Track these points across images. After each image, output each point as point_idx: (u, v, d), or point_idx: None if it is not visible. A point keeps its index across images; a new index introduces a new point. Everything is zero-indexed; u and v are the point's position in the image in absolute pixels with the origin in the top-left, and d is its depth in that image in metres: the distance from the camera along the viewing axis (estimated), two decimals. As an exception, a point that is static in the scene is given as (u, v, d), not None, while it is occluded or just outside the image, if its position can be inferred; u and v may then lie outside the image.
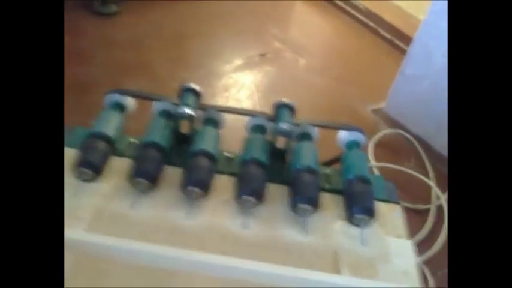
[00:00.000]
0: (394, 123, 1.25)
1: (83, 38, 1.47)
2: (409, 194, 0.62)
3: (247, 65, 1.40)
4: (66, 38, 1.42)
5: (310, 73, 1.41)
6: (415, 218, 0.60)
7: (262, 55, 1.43)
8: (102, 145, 0.54)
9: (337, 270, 0.49)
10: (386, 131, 1.20)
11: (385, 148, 1.19)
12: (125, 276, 0.46)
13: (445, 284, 0.77)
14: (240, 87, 1.30)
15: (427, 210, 0.97)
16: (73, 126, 0.62)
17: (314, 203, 0.52)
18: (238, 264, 0.47)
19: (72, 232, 0.48)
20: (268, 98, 1.22)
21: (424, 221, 0.95)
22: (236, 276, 0.47)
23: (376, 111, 1.30)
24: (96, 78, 1.33)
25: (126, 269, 0.46)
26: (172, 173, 0.56)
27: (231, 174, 0.57)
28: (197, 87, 0.61)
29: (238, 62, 1.41)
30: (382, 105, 1.31)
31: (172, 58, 1.40)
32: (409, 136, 1.21)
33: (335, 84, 1.38)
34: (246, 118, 0.63)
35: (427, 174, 1.08)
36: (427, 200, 1.01)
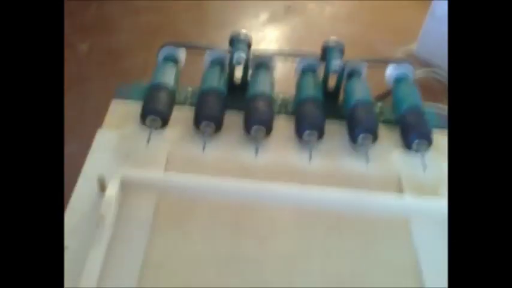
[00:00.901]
0: (426, 64, 1.25)
1: (107, 8, 1.48)
2: (448, 131, 0.64)
3: (274, 18, 1.40)
4: (94, 4, 1.43)
5: (337, 22, 1.41)
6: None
7: (287, 7, 1.43)
8: (165, 94, 0.57)
9: (400, 194, 0.52)
10: (419, 72, 1.20)
11: (420, 88, 1.19)
12: (205, 216, 0.49)
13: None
14: (269, 41, 1.31)
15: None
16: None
17: (373, 133, 0.55)
18: (310, 192, 0.50)
19: (151, 174, 0.51)
20: (300, 50, 1.22)
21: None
22: (308, 204, 0.50)
23: (407, 54, 1.30)
24: (126, 44, 1.34)
25: (206, 208, 0.50)
26: (233, 117, 0.58)
27: (288, 114, 0.60)
28: (247, 34, 0.63)
29: (264, 16, 1.41)
30: (413, 47, 1.30)
31: (199, 18, 1.40)
32: (442, 76, 1.21)
33: (363, 31, 1.38)
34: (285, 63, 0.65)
35: (464, 111, 1.09)
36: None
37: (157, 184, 0.50)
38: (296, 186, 0.50)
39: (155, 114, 0.54)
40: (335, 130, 0.58)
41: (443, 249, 0.47)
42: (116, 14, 1.44)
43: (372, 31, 1.38)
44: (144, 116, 0.55)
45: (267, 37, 1.33)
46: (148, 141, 0.53)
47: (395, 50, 1.33)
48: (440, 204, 0.50)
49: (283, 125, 0.58)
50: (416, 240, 0.48)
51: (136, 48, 1.27)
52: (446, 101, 1.18)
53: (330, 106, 0.60)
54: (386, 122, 0.60)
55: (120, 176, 0.49)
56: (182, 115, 0.58)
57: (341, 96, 0.62)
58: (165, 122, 0.55)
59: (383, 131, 0.58)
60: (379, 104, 0.63)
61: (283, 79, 0.70)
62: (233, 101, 0.60)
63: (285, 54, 0.65)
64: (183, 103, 0.60)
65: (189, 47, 0.65)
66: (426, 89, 1.22)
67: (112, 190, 0.47)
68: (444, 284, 0.44)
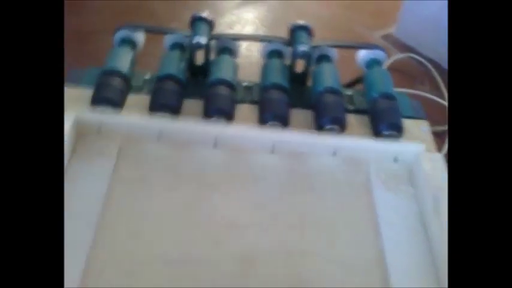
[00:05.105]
0: (405, 48, 1.22)
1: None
2: (426, 117, 0.61)
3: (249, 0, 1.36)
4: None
5: (314, 4, 1.36)
6: (434, 140, 0.59)
7: (264, -12, 1.38)
8: (117, 81, 0.53)
9: (369, 187, 0.49)
10: (397, 56, 1.17)
11: (398, 73, 1.16)
12: (156, 212, 0.45)
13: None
14: (244, 23, 1.26)
15: (446, 132, 0.96)
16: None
17: (340, 123, 0.51)
18: (270, 185, 0.47)
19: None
20: (275, 33, 1.18)
21: (443, 142, 0.94)
22: (267, 196, 0.47)
23: (385, 37, 1.26)
24: (96, 26, 1.28)
25: (158, 204, 0.46)
26: (191, 106, 0.54)
27: (252, 102, 0.56)
28: (209, 16, 0.59)
29: (239, -3, 1.37)
30: (391, 30, 1.27)
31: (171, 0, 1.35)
32: (421, 59, 1.18)
33: (341, 13, 1.34)
34: (259, 47, 0.61)
35: (442, 96, 1.06)
36: (445, 121, 0.99)
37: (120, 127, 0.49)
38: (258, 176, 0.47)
39: (106, 102, 0.50)
40: (301, 119, 0.55)
41: (411, 244, 0.45)
42: (86, -6, 1.38)
43: (350, 13, 1.34)
44: (93, 104, 0.50)
45: (241, 18, 1.28)
46: (98, 132, 0.49)
47: (374, 33, 1.30)
48: (411, 200, 0.48)
49: (245, 114, 0.54)
50: (384, 236, 0.45)
51: (105, 30, 1.22)
52: (425, 86, 1.14)
53: (297, 94, 0.57)
54: (358, 110, 0.57)
55: (74, 115, 0.48)
56: (137, 103, 0.54)
57: (309, 83, 0.59)
58: (116, 111, 0.51)
59: (352, 120, 0.55)
60: (350, 92, 0.59)
61: (250, 65, 0.66)
62: (194, 88, 0.56)
63: (251, 38, 0.61)
64: (139, 90, 0.56)
65: (148, 30, 0.61)
66: (405, 73, 1.19)
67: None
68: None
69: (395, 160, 0.50)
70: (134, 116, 0.50)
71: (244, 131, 0.50)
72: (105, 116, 0.49)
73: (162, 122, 0.50)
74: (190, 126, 0.50)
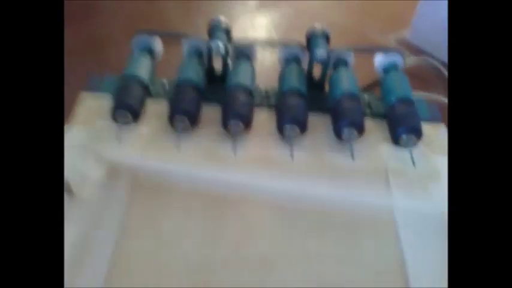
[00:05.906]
0: (419, 52, 1.21)
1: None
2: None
3: (262, 5, 1.35)
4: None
5: (327, 9, 1.36)
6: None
7: (277, -6, 1.39)
8: (137, 87, 0.53)
9: (388, 191, 0.49)
10: (411, 59, 1.17)
11: (412, 77, 1.14)
12: (177, 217, 0.46)
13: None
14: (257, 28, 1.26)
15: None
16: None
17: (359, 127, 0.51)
18: (289, 187, 0.47)
19: (127, 157, 0.49)
20: (288, 38, 1.19)
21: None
22: (286, 200, 0.47)
23: (399, 41, 1.26)
24: (109, 31, 1.29)
25: (179, 208, 0.46)
26: (210, 111, 0.55)
27: (270, 107, 0.56)
28: (227, 22, 0.59)
29: (252, 2, 1.37)
30: (405, 34, 1.26)
31: (184, 5, 1.35)
32: (435, 63, 1.17)
33: (354, 18, 1.33)
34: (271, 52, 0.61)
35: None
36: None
37: (130, 168, 0.48)
38: (276, 180, 0.47)
39: (125, 108, 0.51)
40: (319, 123, 0.55)
41: (432, 250, 0.45)
42: (100, 1, 1.39)
43: (362, 18, 1.33)
44: (113, 111, 0.51)
45: (254, 23, 1.29)
46: (117, 138, 0.50)
47: (387, 36, 1.29)
48: (430, 205, 0.48)
49: (264, 120, 0.55)
50: (403, 241, 0.45)
51: (119, 36, 1.22)
52: (438, 90, 1.14)
53: (315, 98, 0.57)
54: (375, 115, 0.57)
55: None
56: (156, 109, 0.54)
57: (327, 87, 0.59)
58: (135, 117, 0.52)
59: (370, 124, 0.55)
60: (367, 96, 0.59)
61: (264, 69, 0.67)
62: (214, 94, 0.56)
63: (268, 43, 0.62)
64: (158, 96, 0.56)
65: (164, 35, 0.61)
66: (418, 77, 1.18)
67: None
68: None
69: (416, 166, 0.50)
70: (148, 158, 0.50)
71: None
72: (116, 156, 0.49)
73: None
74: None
